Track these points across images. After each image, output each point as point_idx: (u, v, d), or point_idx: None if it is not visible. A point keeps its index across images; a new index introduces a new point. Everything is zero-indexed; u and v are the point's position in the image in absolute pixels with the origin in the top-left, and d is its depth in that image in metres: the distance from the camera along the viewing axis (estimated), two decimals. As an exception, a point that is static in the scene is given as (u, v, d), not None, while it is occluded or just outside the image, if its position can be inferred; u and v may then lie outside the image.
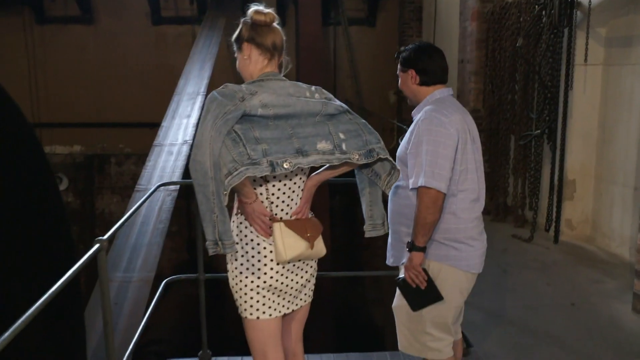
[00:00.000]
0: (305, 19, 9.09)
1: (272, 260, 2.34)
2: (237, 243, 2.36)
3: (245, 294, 2.37)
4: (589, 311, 4.52)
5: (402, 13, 11.56)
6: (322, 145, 2.28)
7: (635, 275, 4.36)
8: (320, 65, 9.19)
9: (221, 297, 11.29)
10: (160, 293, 3.59)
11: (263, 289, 2.35)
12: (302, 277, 2.44)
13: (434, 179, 2.57)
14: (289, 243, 2.31)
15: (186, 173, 5.87)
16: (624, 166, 5.57)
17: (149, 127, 9.26)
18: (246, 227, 2.35)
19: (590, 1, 5.43)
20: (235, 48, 2.47)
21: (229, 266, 2.41)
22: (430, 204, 2.58)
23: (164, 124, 6.97)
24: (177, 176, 5.69)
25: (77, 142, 11.53)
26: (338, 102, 2.42)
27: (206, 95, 6.52)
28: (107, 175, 11.58)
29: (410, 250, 2.67)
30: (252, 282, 2.35)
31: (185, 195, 11.62)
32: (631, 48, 5.48)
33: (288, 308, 2.45)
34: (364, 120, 2.44)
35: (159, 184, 3.97)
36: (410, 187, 2.66)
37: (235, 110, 2.16)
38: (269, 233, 2.32)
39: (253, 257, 2.34)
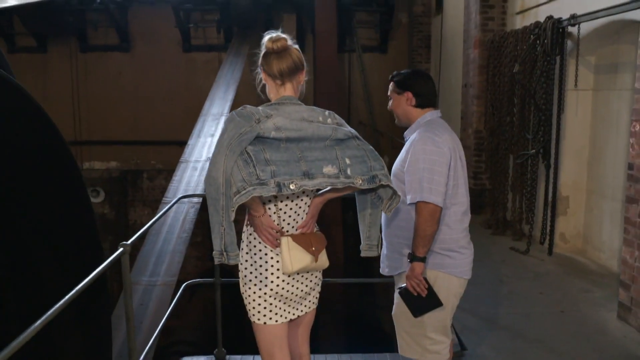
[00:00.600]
0: (321, 47, 9.23)
1: (278, 269, 2.36)
2: (247, 253, 2.40)
3: (254, 300, 2.40)
4: (577, 318, 4.52)
5: (412, 41, 11.67)
6: (328, 169, 2.28)
7: (620, 285, 4.36)
8: (335, 89, 9.30)
9: (238, 300, 11.37)
10: (179, 295, 3.69)
11: (270, 296, 2.38)
12: (306, 285, 2.46)
13: (431, 194, 2.63)
14: (296, 256, 2.34)
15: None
16: (613, 182, 5.59)
17: (178, 144, 9.45)
18: (255, 239, 2.38)
19: (579, 31, 5.47)
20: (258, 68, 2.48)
21: (240, 274, 2.44)
22: (429, 217, 2.63)
23: (190, 142, 7.12)
24: (200, 190, 5.81)
25: (114, 159, 11.79)
26: (348, 128, 2.42)
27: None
28: (140, 189, 11.80)
29: (411, 261, 2.70)
30: (259, 289, 2.38)
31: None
32: (617, 74, 5.52)
33: (293, 314, 2.48)
34: (371, 147, 2.43)
35: (179, 196, 4.10)
36: (409, 202, 2.69)
37: (251, 132, 2.17)
38: (275, 244, 2.35)
39: (261, 266, 2.37)
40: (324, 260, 2.46)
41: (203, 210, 7.27)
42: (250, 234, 2.41)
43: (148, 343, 3.00)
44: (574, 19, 5.45)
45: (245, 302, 2.45)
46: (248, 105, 2.29)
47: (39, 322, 1.71)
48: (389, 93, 2.93)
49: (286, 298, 2.42)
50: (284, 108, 2.32)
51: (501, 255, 6.16)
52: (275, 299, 2.40)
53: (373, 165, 2.35)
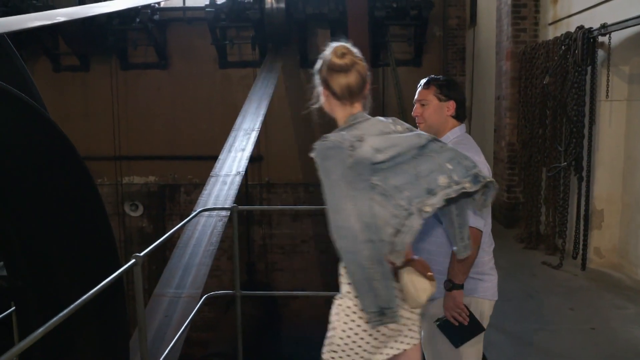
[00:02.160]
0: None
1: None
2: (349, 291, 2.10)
3: (357, 334, 2.10)
4: (608, 336, 4.38)
5: (446, 54, 11.60)
6: (442, 179, 2.01)
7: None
8: (370, 103, 9.30)
9: (271, 312, 11.44)
10: (199, 306, 3.75)
11: (372, 335, 2.10)
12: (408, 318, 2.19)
13: (477, 219, 2.52)
14: (420, 286, 2.08)
15: (237, 200, 6.07)
16: (649, 196, 5.42)
17: (215, 160, 9.61)
18: None
19: (610, 41, 5.36)
20: (317, 83, 2.23)
21: (340, 302, 2.14)
22: (473, 242, 2.41)
23: (221, 156, 7.24)
24: (229, 203, 5.90)
25: (152, 173, 12.05)
26: (419, 130, 2.25)
27: (258, 131, 6.62)
28: (177, 203, 12.02)
29: (451, 290, 2.56)
30: (363, 325, 2.07)
31: (246, 222, 11.92)
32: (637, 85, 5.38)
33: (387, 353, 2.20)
34: (451, 146, 2.19)
35: (199, 209, 4.18)
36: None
37: (356, 162, 1.94)
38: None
39: None
40: (435, 284, 2.17)
41: (240, 224, 7.32)
42: None
43: (163, 353, 3.05)
44: (604, 29, 5.34)
45: (341, 336, 2.12)
46: (328, 135, 2.06)
47: (41, 328, 1.78)
48: (422, 97, 2.75)
49: (388, 336, 2.15)
50: (363, 126, 2.10)
51: (532, 270, 6.03)
52: (377, 338, 2.12)
53: (466, 164, 2.07)
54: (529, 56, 7.07)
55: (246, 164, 6.98)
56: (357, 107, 2.17)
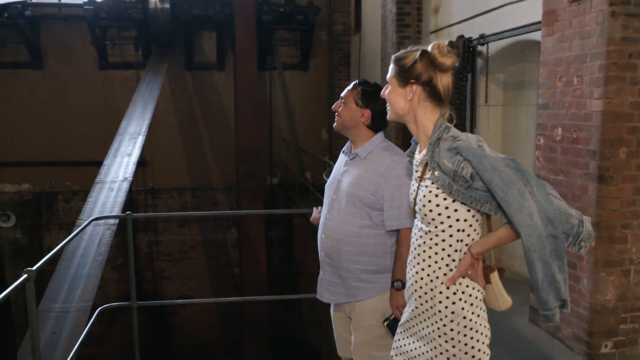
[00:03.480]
0: (242, 65, 9.20)
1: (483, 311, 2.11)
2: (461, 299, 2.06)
3: (485, 352, 2.12)
4: (491, 323, 4.67)
5: (332, 59, 11.86)
6: None
7: (530, 290, 4.56)
8: (256, 106, 9.29)
9: (159, 324, 11.08)
10: (94, 320, 3.53)
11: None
12: None
13: (411, 219, 2.53)
14: (503, 292, 2.12)
15: (124, 209, 5.80)
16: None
17: (96, 165, 9.07)
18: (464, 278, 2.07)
19: (487, 50, 5.74)
20: (394, 75, 2.12)
21: (466, 314, 2.05)
22: (407, 243, 2.50)
23: (106, 162, 6.89)
24: (116, 211, 5.62)
25: (26, 181, 11.21)
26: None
27: (145, 135, 6.35)
28: (55, 212, 11.27)
29: (401, 289, 2.58)
30: (487, 337, 2.11)
31: (133, 229, 11.43)
32: (524, 91, 5.82)
33: None
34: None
35: (91, 218, 3.94)
36: (391, 228, 2.62)
37: (506, 159, 1.94)
38: (483, 282, 2.08)
39: (479, 308, 2.08)
40: None
41: (122, 232, 6.97)
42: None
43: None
44: (483, 39, 5.71)
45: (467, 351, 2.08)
46: (455, 135, 2.02)
47: None
48: (345, 96, 2.74)
49: None
50: (455, 132, 2.06)
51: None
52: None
53: None
54: (413, 63, 7.39)
55: (133, 170, 6.69)
56: (446, 111, 2.11)
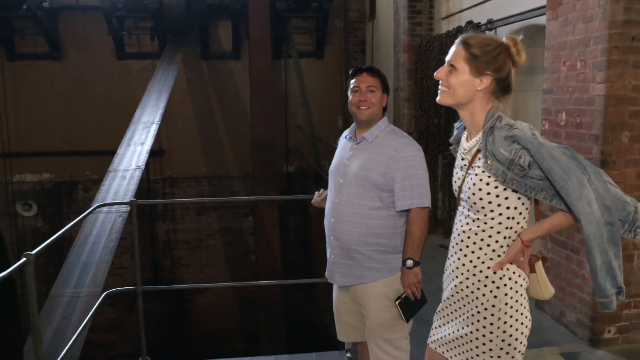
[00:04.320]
0: (256, 53, 9.25)
1: (525, 299, 2.12)
2: (506, 285, 2.08)
3: (522, 343, 2.14)
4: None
5: (347, 46, 11.84)
6: None
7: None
8: (270, 95, 9.35)
9: (174, 308, 11.26)
10: (99, 305, 3.64)
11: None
12: None
13: (429, 198, 2.71)
14: (547, 282, 2.15)
15: (138, 196, 5.91)
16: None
17: (114, 154, 9.28)
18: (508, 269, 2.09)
19: (495, 35, 5.69)
20: (468, 61, 2.06)
21: (508, 301, 2.07)
22: (427, 220, 2.70)
23: (120, 150, 7.03)
24: (128, 198, 5.73)
25: (47, 170, 11.44)
26: None
27: (158, 124, 6.43)
28: (75, 201, 11.50)
29: (412, 267, 2.71)
30: (527, 327, 2.14)
31: (149, 218, 11.62)
32: (534, 76, 5.76)
33: None
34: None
35: (97, 204, 4.05)
36: (402, 208, 2.69)
37: (559, 147, 1.98)
38: (529, 269, 2.11)
39: (522, 296, 2.11)
40: None
41: (143, 220, 7.11)
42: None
43: (60, 354, 2.94)
44: (491, 24, 5.68)
45: (511, 342, 2.10)
46: (510, 123, 2.04)
47: None
48: (372, 84, 2.78)
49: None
50: (509, 121, 2.08)
51: (431, 253, 6.31)
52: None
53: None
54: (424, 49, 7.38)
55: (146, 158, 6.80)
56: (501, 102, 2.11)
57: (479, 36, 2.11)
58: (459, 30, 6.25)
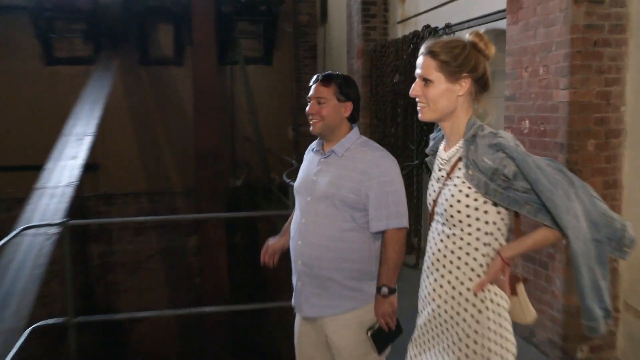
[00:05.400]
0: (199, 59, 9.14)
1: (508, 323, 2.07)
2: (488, 307, 2.03)
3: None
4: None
5: (297, 51, 11.84)
6: None
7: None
8: (215, 103, 9.24)
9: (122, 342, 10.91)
10: (23, 341, 3.44)
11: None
12: None
13: (406, 217, 2.61)
14: (529, 305, 2.13)
15: (70, 215, 5.68)
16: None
17: (42, 170, 8.94)
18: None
19: (454, 40, 5.76)
20: (440, 69, 2.04)
21: (491, 325, 2.02)
22: (404, 243, 2.59)
23: (49, 166, 6.77)
24: (59, 219, 5.50)
25: (-39, 188, 10.94)
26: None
27: (93, 136, 6.24)
28: (-4, 222, 11.02)
29: (388, 295, 2.59)
30: (513, 354, 2.05)
31: (81, 239, 11.23)
32: (495, 82, 5.83)
33: None
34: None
35: (22, 227, 3.85)
36: (377, 229, 2.60)
37: (547, 159, 1.98)
38: (510, 291, 2.06)
39: (505, 320, 2.05)
40: None
41: (75, 243, 6.82)
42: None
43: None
44: (449, 28, 5.73)
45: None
46: (495, 131, 2.03)
47: None
48: (320, 95, 2.69)
49: None
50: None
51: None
52: None
53: None
54: (379, 54, 7.41)
55: (79, 174, 6.57)
56: (480, 106, 2.12)
57: (441, 41, 2.10)
58: (415, 35, 6.30)
